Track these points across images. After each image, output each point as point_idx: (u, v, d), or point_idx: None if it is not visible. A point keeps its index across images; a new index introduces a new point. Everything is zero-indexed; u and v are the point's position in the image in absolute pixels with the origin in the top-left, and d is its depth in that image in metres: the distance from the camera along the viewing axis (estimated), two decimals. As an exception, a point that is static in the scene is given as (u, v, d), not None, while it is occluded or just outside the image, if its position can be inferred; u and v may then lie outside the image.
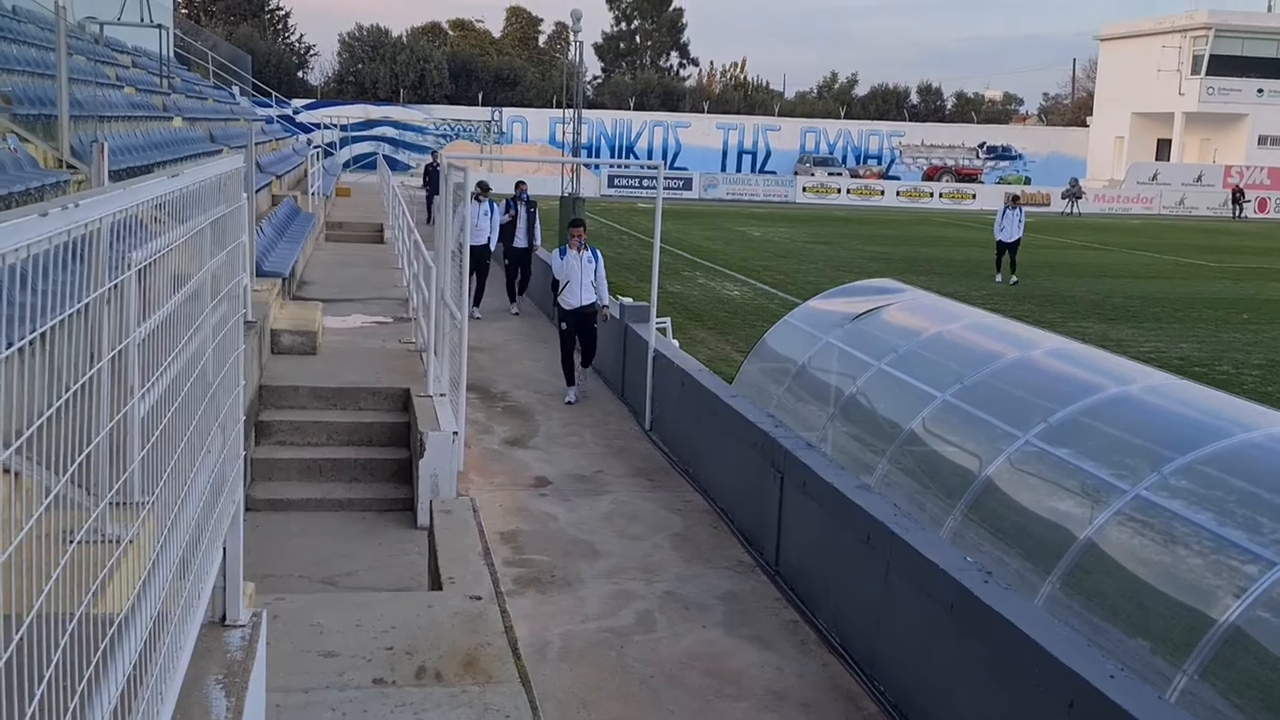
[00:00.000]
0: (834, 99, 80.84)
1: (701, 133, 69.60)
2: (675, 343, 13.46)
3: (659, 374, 11.55)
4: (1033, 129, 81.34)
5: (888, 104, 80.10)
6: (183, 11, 61.49)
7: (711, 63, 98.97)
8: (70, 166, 9.74)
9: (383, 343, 12.53)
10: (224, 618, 3.76)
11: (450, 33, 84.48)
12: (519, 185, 18.98)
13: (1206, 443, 6.23)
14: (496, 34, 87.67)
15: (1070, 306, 22.97)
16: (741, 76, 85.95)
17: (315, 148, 49.45)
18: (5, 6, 16.45)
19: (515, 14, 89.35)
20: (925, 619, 5.93)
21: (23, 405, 1.89)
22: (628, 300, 14.07)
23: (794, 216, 47.60)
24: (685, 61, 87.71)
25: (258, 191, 16.22)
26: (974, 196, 59.59)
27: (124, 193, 2.29)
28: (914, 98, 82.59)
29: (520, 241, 18.28)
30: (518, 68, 75.31)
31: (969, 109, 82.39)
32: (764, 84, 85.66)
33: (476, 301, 17.04)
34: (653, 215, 12.13)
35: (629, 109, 70.38)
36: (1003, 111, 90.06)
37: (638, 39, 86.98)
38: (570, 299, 12.59)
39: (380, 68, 70.19)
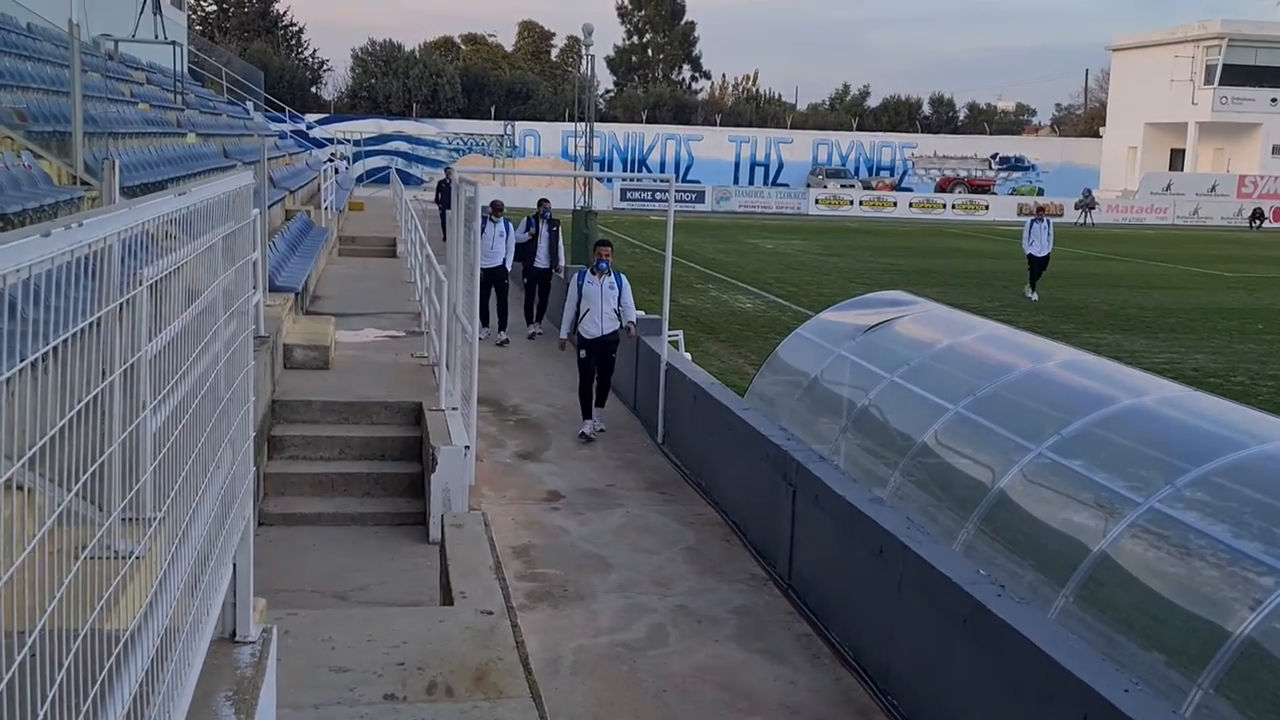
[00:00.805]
0: (846, 111, 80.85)
1: (714, 145, 69.69)
2: (688, 356, 13.46)
3: (671, 387, 11.55)
4: (1045, 140, 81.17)
5: (900, 115, 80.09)
6: (197, 28, 61.88)
7: (724, 75, 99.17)
8: (84, 183, 9.80)
9: (395, 357, 12.55)
10: (234, 634, 3.76)
11: (463, 47, 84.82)
12: (542, 203, 17.74)
13: (1221, 454, 6.20)
14: (509, 48, 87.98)
15: (1084, 318, 22.89)
16: (754, 89, 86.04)
17: (339, 160, 49.80)
18: (20, 24, 16.57)
19: (527, 28, 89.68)
20: (938, 632, 5.90)
21: (35, 421, 1.90)
22: (640, 313, 14.08)
23: (807, 228, 47.59)
24: (697, 74, 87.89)
25: (271, 206, 16.30)
26: (987, 208, 59.50)
27: (128, 212, 2.30)
28: (926, 109, 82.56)
29: (541, 261, 17.31)
30: (530, 81, 75.55)
31: (981, 120, 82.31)
32: (776, 96, 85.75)
33: (501, 325, 16.64)
34: (665, 228, 12.12)
35: (641, 122, 70.51)
36: (1015, 122, 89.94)
37: (650, 52, 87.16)
38: (590, 328, 11.83)
39: (393, 82, 70.50)
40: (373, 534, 9.05)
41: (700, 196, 57.85)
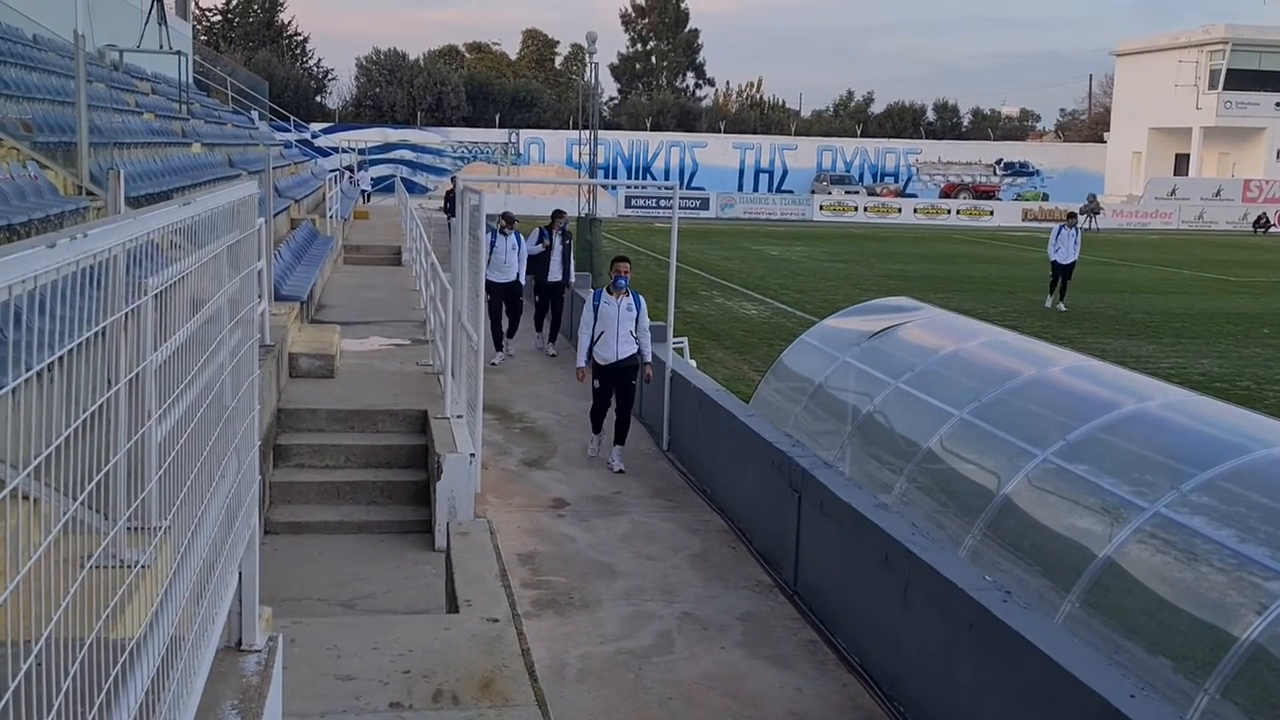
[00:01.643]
0: (850, 117, 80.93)
1: (718, 152, 69.77)
2: (692, 362, 13.46)
3: (676, 394, 11.55)
4: (1050, 145, 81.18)
5: (904, 122, 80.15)
6: (202, 38, 62.08)
7: (728, 83, 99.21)
8: (90, 193, 9.83)
9: (400, 365, 12.57)
10: (240, 642, 3.77)
11: (467, 55, 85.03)
12: (557, 214, 16.81)
13: (1226, 459, 6.19)
14: (513, 56, 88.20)
15: (1089, 323, 22.87)
16: (758, 96, 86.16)
17: (359, 172, 49.95)
18: (26, 35, 16.63)
19: (531, 36, 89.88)
20: (944, 638, 5.90)
21: (42, 431, 1.91)
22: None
23: (811, 235, 47.61)
24: (701, 81, 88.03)
25: (276, 215, 16.33)
26: (991, 213, 59.51)
27: (133, 222, 2.31)
28: (930, 115, 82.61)
29: (555, 275, 16.44)
30: (534, 89, 75.69)
31: (986, 126, 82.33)
32: (780, 103, 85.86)
33: (510, 334, 16.12)
34: (669, 235, 12.12)
35: (645, 129, 70.63)
36: (1019, 128, 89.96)
37: (654, 59, 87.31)
38: (605, 353, 10.90)
39: (398, 91, 70.68)
40: (378, 542, 9.06)
41: (705, 203, 57.90)
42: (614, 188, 57.59)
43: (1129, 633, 5.67)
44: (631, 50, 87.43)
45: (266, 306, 10.82)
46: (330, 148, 58.40)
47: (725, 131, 71.95)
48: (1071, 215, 26.37)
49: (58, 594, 1.93)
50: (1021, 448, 7.31)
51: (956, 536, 7.17)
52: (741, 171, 70.07)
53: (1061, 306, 24.48)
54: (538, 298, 16.83)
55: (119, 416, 2.63)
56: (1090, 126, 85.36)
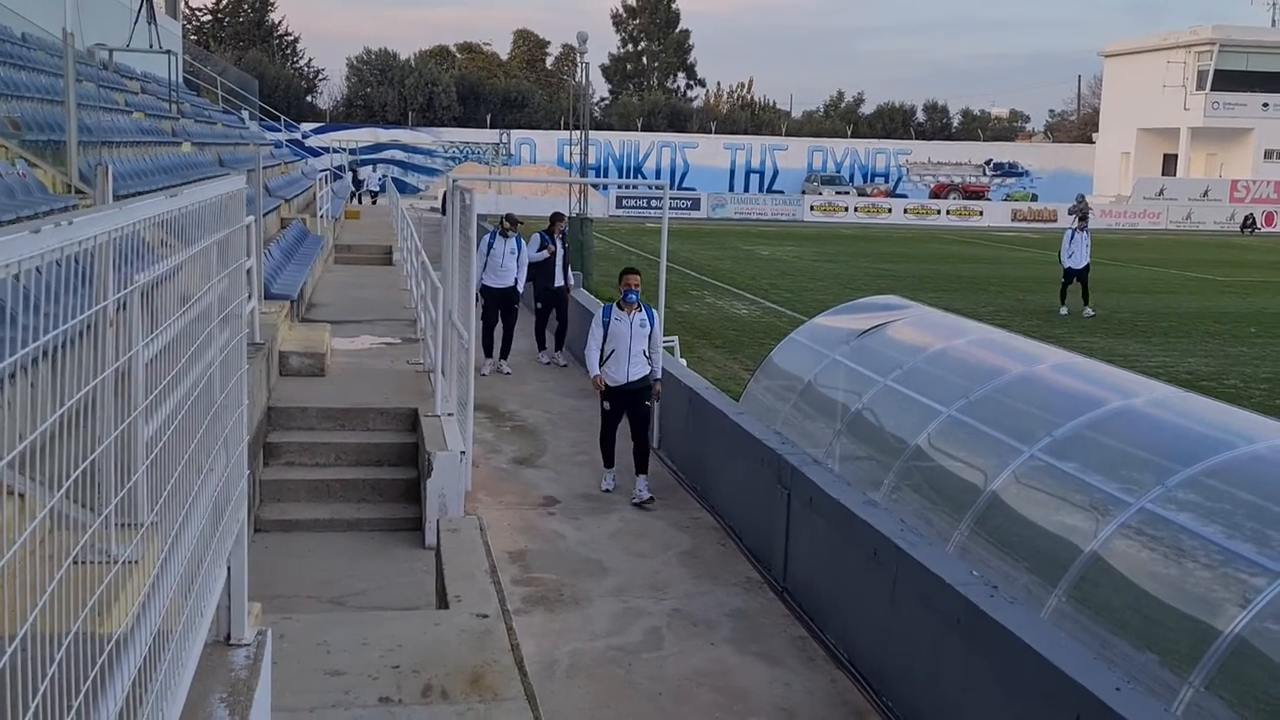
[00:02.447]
0: (840, 118, 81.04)
1: (709, 153, 69.82)
2: (683, 361, 13.49)
3: (667, 392, 11.55)
4: (1039, 146, 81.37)
5: (894, 122, 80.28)
6: (192, 38, 61.95)
7: (719, 83, 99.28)
8: (79, 191, 9.82)
9: (391, 363, 12.57)
10: (229, 636, 3.78)
11: (458, 55, 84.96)
12: (556, 217, 16.20)
13: (1211, 455, 6.23)
14: (504, 56, 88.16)
15: (1078, 322, 22.94)
16: (748, 97, 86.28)
17: (367, 178, 49.95)
18: (15, 34, 16.60)
19: (522, 36, 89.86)
20: (932, 633, 5.92)
21: (29, 425, 1.92)
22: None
23: (802, 235, 47.67)
24: (692, 82, 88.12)
25: (266, 214, 16.32)
26: (981, 213, 59.66)
27: (119, 212, 2.33)
28: (920, 116, 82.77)
29: (559, 280, 15.92)
30: (525, 90, 75.67)
31: (975, 126, 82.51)
32: (771, 104, 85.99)
33: (504, 352, 15.25)
34: (660, 235, 12.14)
35: (636, 130, 70.65)
36: (1009, 129, 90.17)
37: (645, 60, 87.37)
38: (616, 373, 10.06)
39: (388, 91, 70.61)
40: (369, 539, 9.07)
41: (696, 204, 57.95)
42: (605, 188, 57.60)
43: (1115, 627, 5.70)
44: (623, 51, 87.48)
45: (256, 304, 10.81)
46: (321, 148, 58.31)
47: (716, 132, 72.01)
48: (1084, 219, 25.51)
49: (44, 588, 1.95)
50: (1009, 444, 7.34)
51: (945, 532, 7.20)
52: (732, 172, 70.13)
53: (1089, 311, 23.52)
54: (539, 305, 16.16)
55: (107, 411, 2.64)
56: (1079, 127, 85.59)
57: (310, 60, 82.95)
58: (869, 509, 7.03)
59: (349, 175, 48.32)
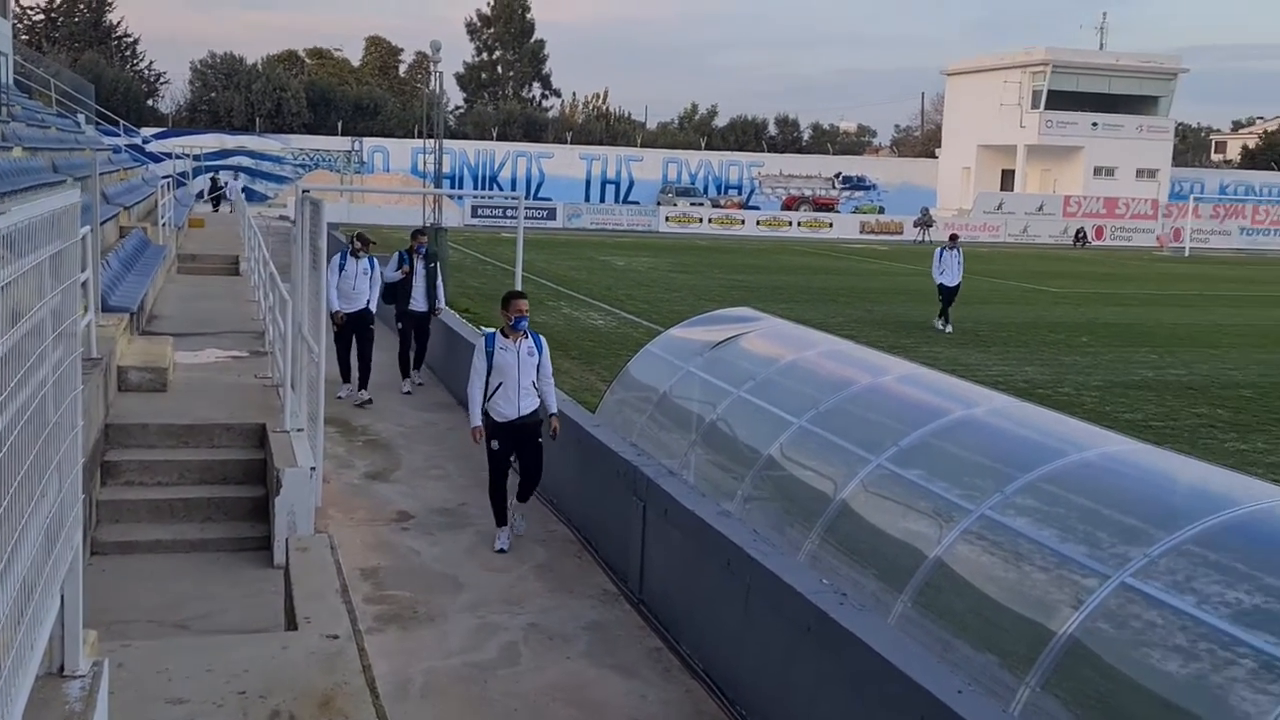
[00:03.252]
0: (695, 130, 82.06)
1: (565, 163, 69.90)
2: (538, 373, 13.43)
3: (522, 405, 11.50)
4: (885, 160, 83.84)
5: (747, 135, 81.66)
6: (23, 38, 59.28)
7: (574, 93, 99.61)
8: (-102, 198, 9.29)
9: (238, 377, 12.22)
10: (63, 668, 3.62)
11: (308, 61, 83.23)
12: (417, 235, 15.12)
13: (1046, 462, 6.50)
14: (356, 63, 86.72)
15: (923, 333, 23.68)
16: (604, 107, 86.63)
17: (228, 185, 48.15)
18: None
19: (375, 43, 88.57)
20: (785, 641, 6.03)
21: None
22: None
23: (657, 246, 48.08)
24: (548, 92, 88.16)
25: (104, 223, 15.71)
26: (831, 225, 61.13)
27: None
28: (772, 129, 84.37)
29: (419, 304, 14.72)
30: (378, 97, 74.54)
31: (825, 140, 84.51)
32: (626, 115, 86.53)
33: (363, 381, 14.06)
34: (516, 245, 12.10)
35: (492, 139, 70.29)
36: (857, 143, 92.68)
37: (500, 69, 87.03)
38: (504, 407, 9.06)
39: (235, 96, 68.69)
40: (214, 560, 8.79)
41: (552, 214, 57.97)
42: (460, 197, 57.14)
43: (957, 630, 5.90)
44: (477, 59, 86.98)
45: (93, 318, 10.40)
46: (163, 153, 56.41)
47: (572, 142, 72.14)
48: (954, 236, 25.97)
49: None
50: (857, 454, 7.53)
51: (796, 541, 7.34)
52: (588, 182, 70.35)
53: (948, 329, 23.83)
54: (400, 328, 14.94)
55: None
56: (923, 143, 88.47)
57: (152, 63, 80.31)
58: (723, 519, 7.12)
59: (208, 184, 46.72)
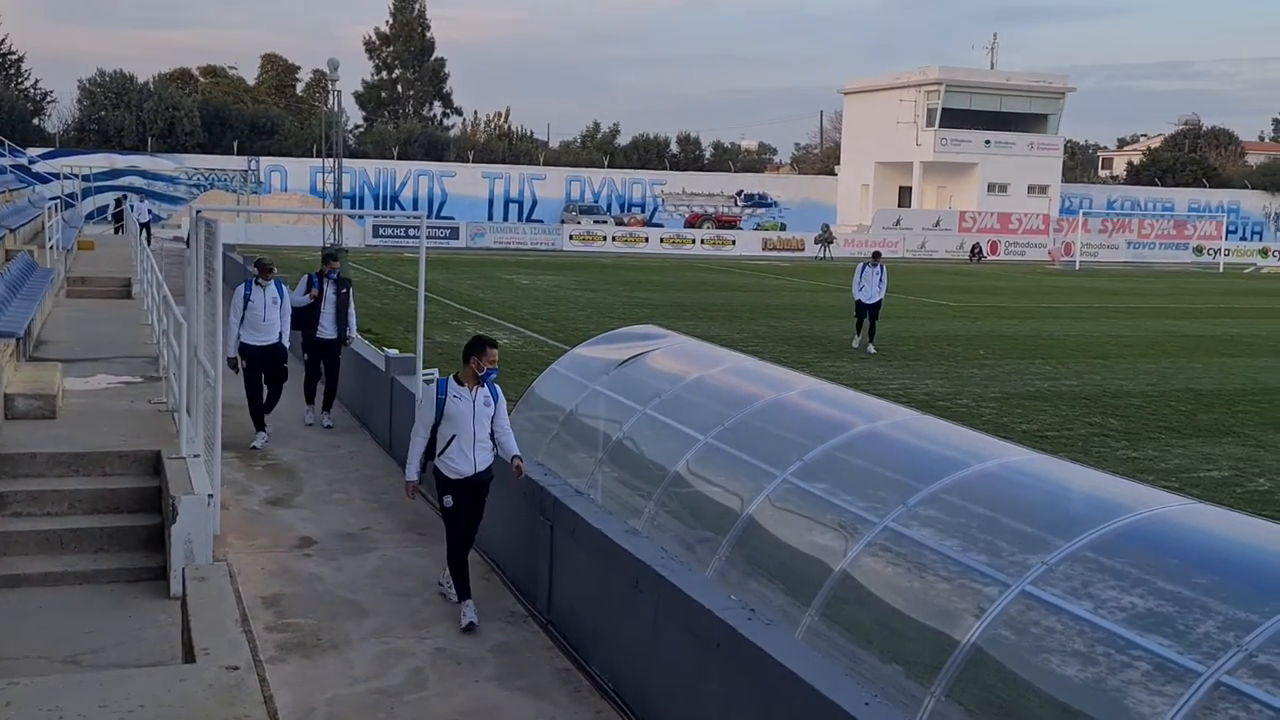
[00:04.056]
0: (597, 148, 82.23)
1: (467, 182, 69.51)
2: (442, 394, 13.28)
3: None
4: (786, 177, 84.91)
5: (649, 153, 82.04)
6: (-99, 54, 57.21)
7: (475, 112, 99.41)
8: None
9: (131, 403, 11.90)
10: (-56, 710, 3.46)
11: (201, 80, 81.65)
12: (329, 257, 14.39)
13: (947, 473, 6.61)
14: (251, 81, 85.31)
15: (825, 347, 23.98)
16: (506, 126, 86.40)
17: (136, 208, 46.25)
18: None
19: (270, 61, 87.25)
20: (694, 659, 6.03)
21: None
22: (394, 352, 13.84)
23: (561, 264, 48.04)
24: (449, 111, 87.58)
25: (-12, 246, 15.17)
26: (734, 243, 61.67)
27: None
28: (674, 147, 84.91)
29: (327, 331, 13.79)
30: (275, 116, 73.34)
31: (726, 159, 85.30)
32: (528, 133, 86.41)
33: (268, 408, 13.17)
34: (418, 265, 11.97)
35: (393, 158, 69.62)
36: (758, 161, 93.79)
37: (400, 88, 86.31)
38: (458, 463, 8.13)
39: (125, 115, 66.99)
40: (108, 592, 8.52)
41: (455, 233, 57.56)
42: (361, 217, 56.47)
43: (864, 642, 5.96)
44: (376, 78, 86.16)
45: (-23, 344, 10.04)
46: (50, 173, 54.78)
47: (474, 161, 71.80)
48: (877, 254, 25.09)
49: None
50: (763, 469, 7.58)
51: (704, 558, 7.35)
52: (491, 201, 70.04)
53: (871, 348, 23.21)
54: (306, 356, 14.18)
55: None
56: (822, 160, 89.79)
57: (37, 81, 78.07)
58: (630, 538, 7.11)
59: (112, 208, 45.01)
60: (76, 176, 52.82)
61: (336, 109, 31.10)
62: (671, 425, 8.92)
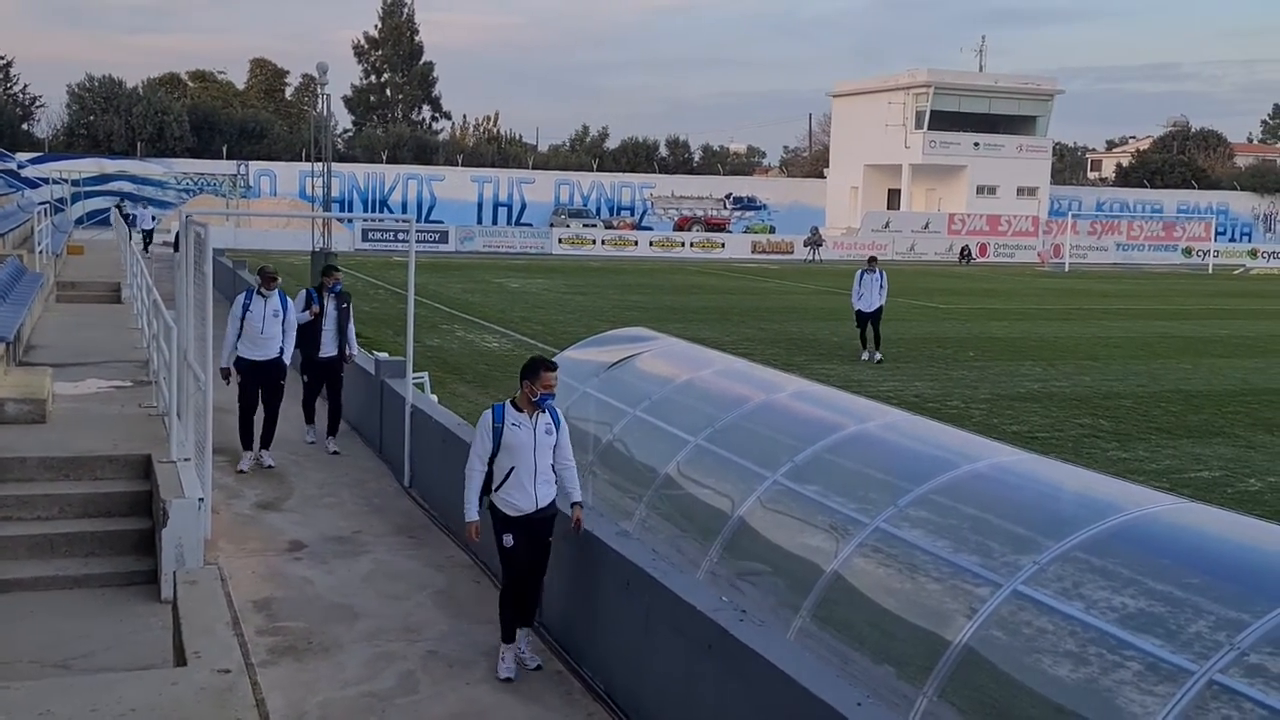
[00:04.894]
0: (586, 152, 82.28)
1: (456, 185, 69.46)
2: (434, 397, 13.30)
3: (417, 430, 11.38)
4: (775, 180, 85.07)
5: (639, 157, 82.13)
6: (-112, 58, 57.01)
7: (465, 116, 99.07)
8: None
9: (121, 408, 11.87)
10: (-65, 714, 3.45)
11: (190, 84, 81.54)
12: (329, 271, 13.31)
13: (938, 474, 6.62)
14: (240, 86, 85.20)
15: (815, 349, 24.02)
16: (495, 130, 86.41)
17: (140, 210, 45.47)
18: None
19: (259, 65, 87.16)
20: (686, 660, 6.04)
21: None
22: (384, 355, 13.81)
23: (551, 268, 48.04)
24: (438, 115, 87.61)
25: (-24, 250, 15.12)
26: (723, 245, 61.70)
27: None
28: (663, 150, 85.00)
29: (328, 349, 12.88)
30: (264, 120, 73.29)
31: (715, 161, 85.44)
32: (517, 137, 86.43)
33: (266, 440, 12.18)
34: (407, 269, 11.94)
35: (382, 162, 69.56)
36: (747, 164, 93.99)
37: (389, 92, 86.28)
38: (518, 498, 7.24)
39: (115, 120, 66.87)
40: (98, 596, 8.50)
41: (444, 237, 57.50)
42: (350, 221, 56.40)
43: (855, 643, 5.97)
44: (365, 82, 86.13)
45: (-35, 348, 10.01)
46: (40, 178, 54.61)
47: (463, 165, 71.76)
48: (873, 259, 23.90)
49: None
50: (754, 471, 7.58)
51: (695, 559, 7.36)
52: (480, 205, 70.00)
53: (878, 356, 22.36)
54: (305, 377, 13.23)
55: None
56: (811, 163, 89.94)
57: (26, 86, 77.79)
58: (621, 540, 7.11)
59: (113, 214, 44.52)
60: (66, 181, 52.63)
61: (326, 113, 31.04)
62: (662, 427, 8.93)
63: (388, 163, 69.61)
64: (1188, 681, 4.55)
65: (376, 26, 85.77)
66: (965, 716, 5.16)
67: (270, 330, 11.98)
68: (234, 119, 71.41)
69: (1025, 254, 66.03)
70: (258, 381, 12.09)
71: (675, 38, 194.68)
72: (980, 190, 71.01)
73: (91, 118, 67.61)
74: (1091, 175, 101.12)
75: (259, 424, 12.20)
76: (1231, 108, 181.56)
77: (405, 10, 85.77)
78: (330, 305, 12.83)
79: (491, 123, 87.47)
